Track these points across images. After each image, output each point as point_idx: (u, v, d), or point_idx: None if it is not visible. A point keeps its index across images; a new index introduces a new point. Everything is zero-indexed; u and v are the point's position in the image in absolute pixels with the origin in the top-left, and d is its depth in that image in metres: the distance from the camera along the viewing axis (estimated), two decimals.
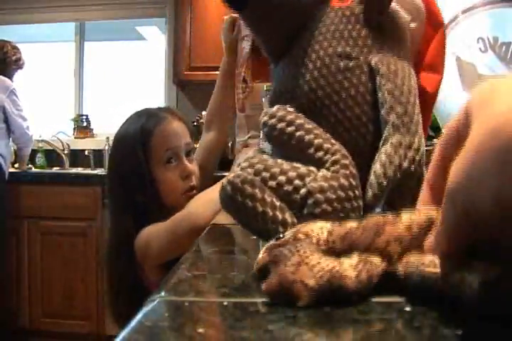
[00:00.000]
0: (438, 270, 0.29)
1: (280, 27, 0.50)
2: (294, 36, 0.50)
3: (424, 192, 0.33)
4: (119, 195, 1.07)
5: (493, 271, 0.26)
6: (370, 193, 0.42)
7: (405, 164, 0.43)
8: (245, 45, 1.11)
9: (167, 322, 0.29)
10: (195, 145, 1.15)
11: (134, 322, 0.28)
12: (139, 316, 0.29)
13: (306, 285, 0.30)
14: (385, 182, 0.42)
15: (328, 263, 0.31)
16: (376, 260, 0.32)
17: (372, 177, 0.42)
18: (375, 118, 0.46)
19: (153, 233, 1.00)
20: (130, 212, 1.04)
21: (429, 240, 0.30)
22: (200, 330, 0.27)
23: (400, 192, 0.45)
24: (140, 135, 1.04)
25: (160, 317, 0.30)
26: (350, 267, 0.31)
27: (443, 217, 0.26)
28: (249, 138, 0.99)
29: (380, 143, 0.44)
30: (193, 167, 1.09)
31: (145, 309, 0.30)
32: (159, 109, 1.14)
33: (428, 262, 0.30)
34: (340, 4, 0.49)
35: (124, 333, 0.26)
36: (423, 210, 0.33)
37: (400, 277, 0.31)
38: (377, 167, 0.43)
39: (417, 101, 0.46)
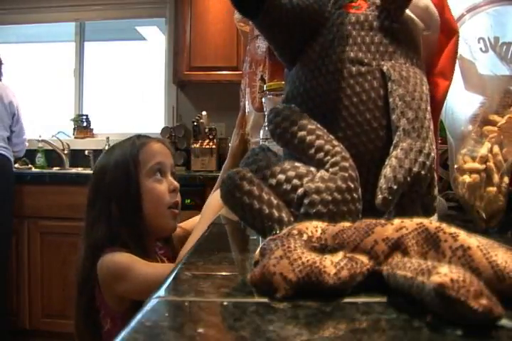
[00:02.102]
0: (410, 274, 0.29)
1: (293, 32, 0.50)
2: (308, 41, 0.50)
3: None
4: (97, 204, 1.10)
5: None
6: (379, 197, 0.41)
7: (415, 168, 0.42)
8: (260, 44, 1.09)
9: (167, 322, 0.29)
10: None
11: (134, 322, 0.28)
12: (138, 316, 0.29)
13: (285, 277, 0.31)
14: (395, 186, 0.41)
15: (309, 258, 0.32)
16: (363, 259, 0.32)
17: (382, 181, 0.42)
18: (386, 124, 0.46)
19: (138, 269, 1.00)
20: (104, 223, 1.07)
21: None
22: (200, 330, 0.27)
23: (410, 198, 0.44)
24: (131, 148, 1.12)
25: (160, 317, 0.30)
26: (331, 264, 0.31)
27: None
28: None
29: (391, 148, 0.44)
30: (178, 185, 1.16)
31: (145, 309, 0.30)
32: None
33: (403, 265, 0.30)
34: (354, 11, 0.49)
35: (124, 333, 0.26)
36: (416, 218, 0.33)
37: (384, 277, 0.32)
38: (387, 171, 0.42)
39: (429, 107, 0.46)
